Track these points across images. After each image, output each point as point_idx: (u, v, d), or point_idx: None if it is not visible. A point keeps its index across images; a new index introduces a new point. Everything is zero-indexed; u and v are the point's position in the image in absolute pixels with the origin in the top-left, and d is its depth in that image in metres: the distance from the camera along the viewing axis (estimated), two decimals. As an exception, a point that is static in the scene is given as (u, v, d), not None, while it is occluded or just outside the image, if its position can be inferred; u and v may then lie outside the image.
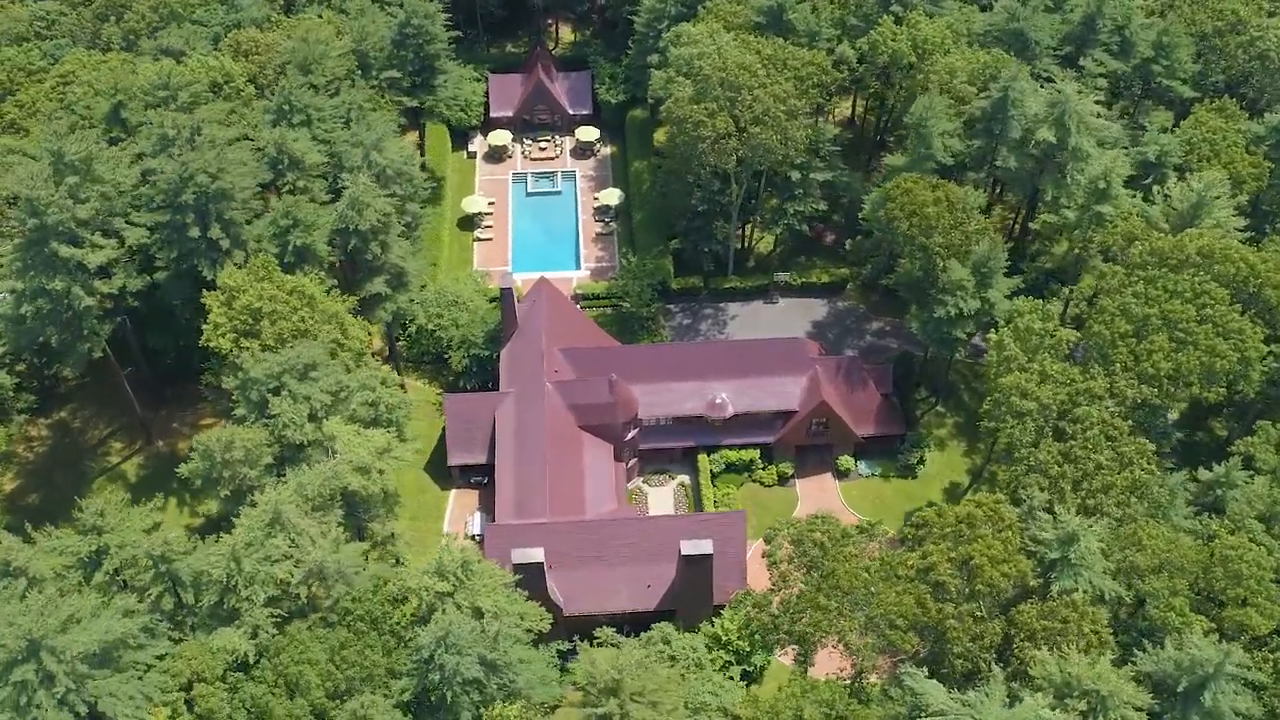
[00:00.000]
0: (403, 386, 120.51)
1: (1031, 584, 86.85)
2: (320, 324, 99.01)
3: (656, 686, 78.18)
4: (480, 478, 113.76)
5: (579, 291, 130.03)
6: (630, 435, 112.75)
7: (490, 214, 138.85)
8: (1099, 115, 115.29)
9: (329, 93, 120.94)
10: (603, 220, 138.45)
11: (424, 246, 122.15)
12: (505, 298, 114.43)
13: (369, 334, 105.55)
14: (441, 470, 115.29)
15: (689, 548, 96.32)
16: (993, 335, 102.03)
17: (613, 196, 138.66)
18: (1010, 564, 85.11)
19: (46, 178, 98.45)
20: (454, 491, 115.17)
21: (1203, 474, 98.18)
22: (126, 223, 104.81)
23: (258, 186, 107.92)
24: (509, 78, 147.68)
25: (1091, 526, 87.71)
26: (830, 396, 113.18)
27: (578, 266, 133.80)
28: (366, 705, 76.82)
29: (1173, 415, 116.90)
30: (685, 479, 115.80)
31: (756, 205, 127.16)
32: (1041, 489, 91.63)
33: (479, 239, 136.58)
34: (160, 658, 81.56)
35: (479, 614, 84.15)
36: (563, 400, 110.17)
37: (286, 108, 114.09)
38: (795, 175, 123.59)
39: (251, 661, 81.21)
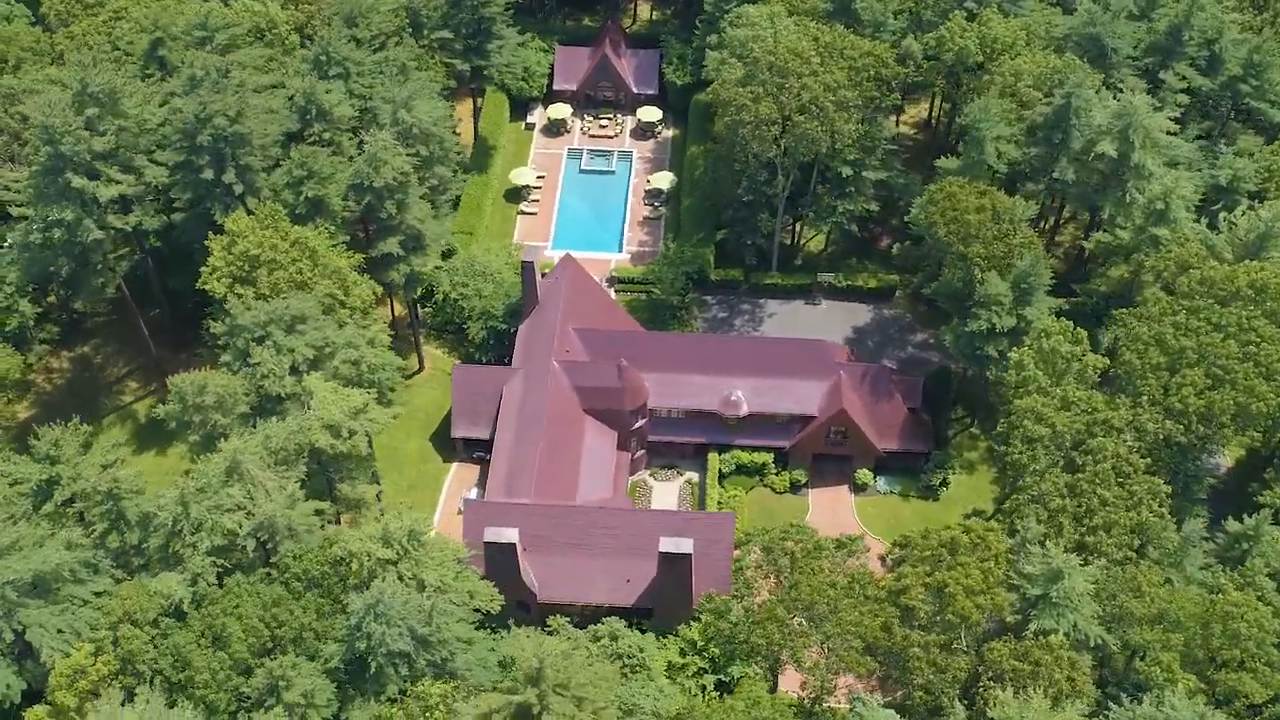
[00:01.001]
0: (419, 353, 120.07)
1: (1008, 620, 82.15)
2: (319, 278, 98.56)
3: (586, 681, 75.66)
4: (483, 453, 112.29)
5: (614, 274, 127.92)
6: (638, 424, 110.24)
7: (539, 188, 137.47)
8: (1171, 133, 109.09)
9: (373, 47, 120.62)
10: (652, 204, 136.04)
11: (452, 213, 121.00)
12: (526, 271, 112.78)
13: (374, 293, 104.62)
14: (447, 441, 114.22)
15: (668, 545, 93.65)
16: (1014, 354, 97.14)
17: (664, 180, 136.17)
18: (987, 596, 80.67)
19: (66, 107, 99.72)
20: (456, 464, 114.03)
21: (1231, 525, 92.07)
22: (150, 161, 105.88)
23: (283, 136, 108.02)
24: (576, 50, 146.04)
25: (1085, 566, 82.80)
26: (852, 405, 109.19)
27: (619, 249, 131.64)
28: (286, 665, 75.74)
29: (1225, 461, 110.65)
30: (694, 477, 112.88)
31: (807, 200, 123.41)
32: (1040, 520, 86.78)
33: (523, 212, 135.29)
34: (99, 594, 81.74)
35: (422, 587, 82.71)
36: (568, 381, 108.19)
37: (324, 59, 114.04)
38: (846, 171, 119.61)
39: (186, 609, 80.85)
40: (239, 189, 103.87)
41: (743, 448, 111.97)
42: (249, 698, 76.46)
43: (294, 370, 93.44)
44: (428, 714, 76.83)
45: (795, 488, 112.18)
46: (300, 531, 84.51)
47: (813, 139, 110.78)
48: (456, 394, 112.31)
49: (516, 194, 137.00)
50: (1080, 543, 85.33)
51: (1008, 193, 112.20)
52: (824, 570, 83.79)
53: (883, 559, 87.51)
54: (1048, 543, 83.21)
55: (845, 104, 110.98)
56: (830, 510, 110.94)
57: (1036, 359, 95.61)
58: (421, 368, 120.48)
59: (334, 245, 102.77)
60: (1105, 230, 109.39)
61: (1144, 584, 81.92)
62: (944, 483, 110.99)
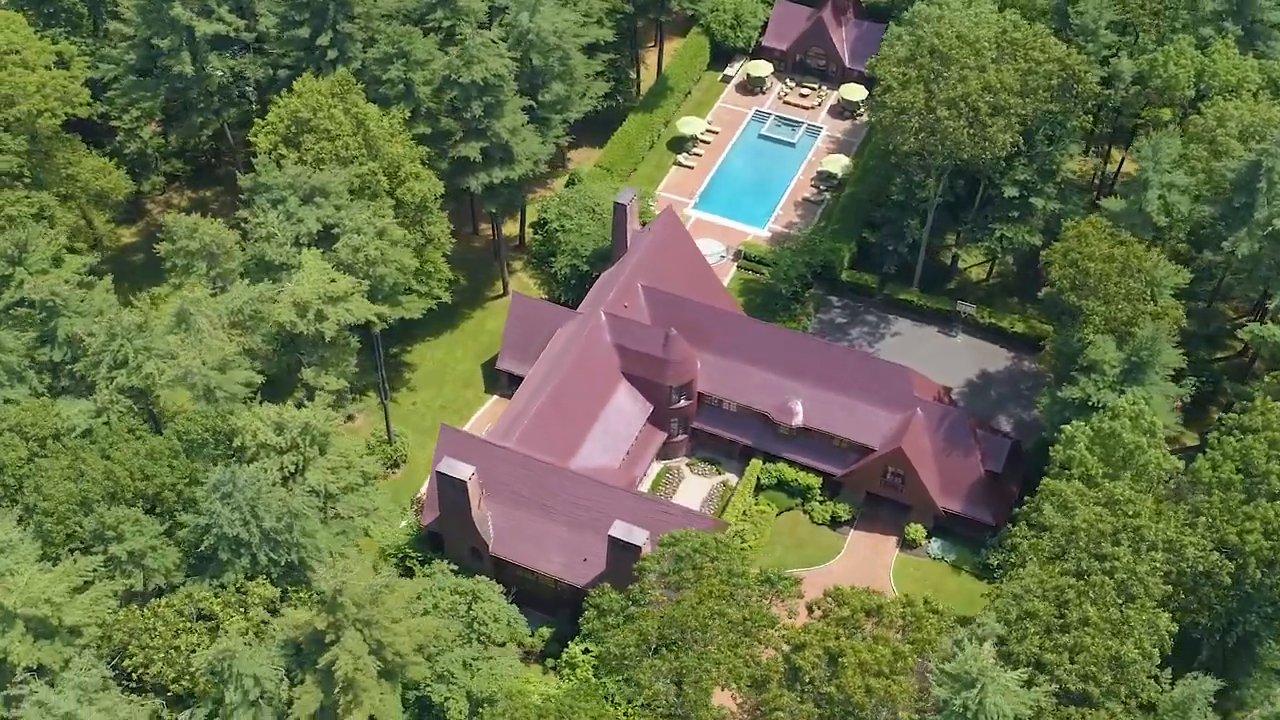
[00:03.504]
0: (503, 276, 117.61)
1: (903, 717, 71.21)
2: (366, 159, 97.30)
3: (400, 627, 71.20)
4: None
5: (742, 249, 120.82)
6: (680, 404, 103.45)
7: (707, 142, 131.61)
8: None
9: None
10: (817, 187, 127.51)
11: (569, 136, 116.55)
12: (618, 214, 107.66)
13: (434, 193, 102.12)
14: (496, 373, 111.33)
15: (619, 531, 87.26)
16: (1068, 427, 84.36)
17: (837, 164, 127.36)
18: (883, 681, 70.16)
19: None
20: (495, 397, 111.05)
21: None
22: (268, 10, 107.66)
23: (400, 15, 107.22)
24: (796, 9, 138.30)
25: (1028, 686, 70.69)
26: (915, 447, 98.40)
27: (763, 225, 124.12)
28: (122, 518, 75.08)
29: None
30: (733, 480, 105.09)
31: (968, 216, 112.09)
32: (1005, 619, 74.90)
33: (679, 163, 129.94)
34: (7, 401, 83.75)
35: (314, 493, 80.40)
36: (611, 336, 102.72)
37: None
38: (1011, 193, 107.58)
39: (72, 439, 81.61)
40: (332, 55, 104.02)
41: (791, 463, 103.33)
42: (81, 540, 76.31)
43: (297, 243, 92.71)
44: (244, 611, 74.41)
45: (835, 523, 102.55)
46: (215, 394, 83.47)
47: (956, 141, 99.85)
48: (510, 325, 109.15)
49: (682, 144, 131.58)
50: (1037, 658, 72.95)
51: (1173, 255, 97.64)
52: (724, 598, 75.26)
53: (810, 608, 77.85)
54: (985, 644, 71.38)
55: (1004, 110, 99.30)
56: (864, 559, 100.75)
57: (1091, 440, 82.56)
58: (505, 292, 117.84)
59: (400, 133, 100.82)
60: (1273, 322, 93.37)
61: (1092, 730, 69.24)
62: (1003, 564, 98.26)
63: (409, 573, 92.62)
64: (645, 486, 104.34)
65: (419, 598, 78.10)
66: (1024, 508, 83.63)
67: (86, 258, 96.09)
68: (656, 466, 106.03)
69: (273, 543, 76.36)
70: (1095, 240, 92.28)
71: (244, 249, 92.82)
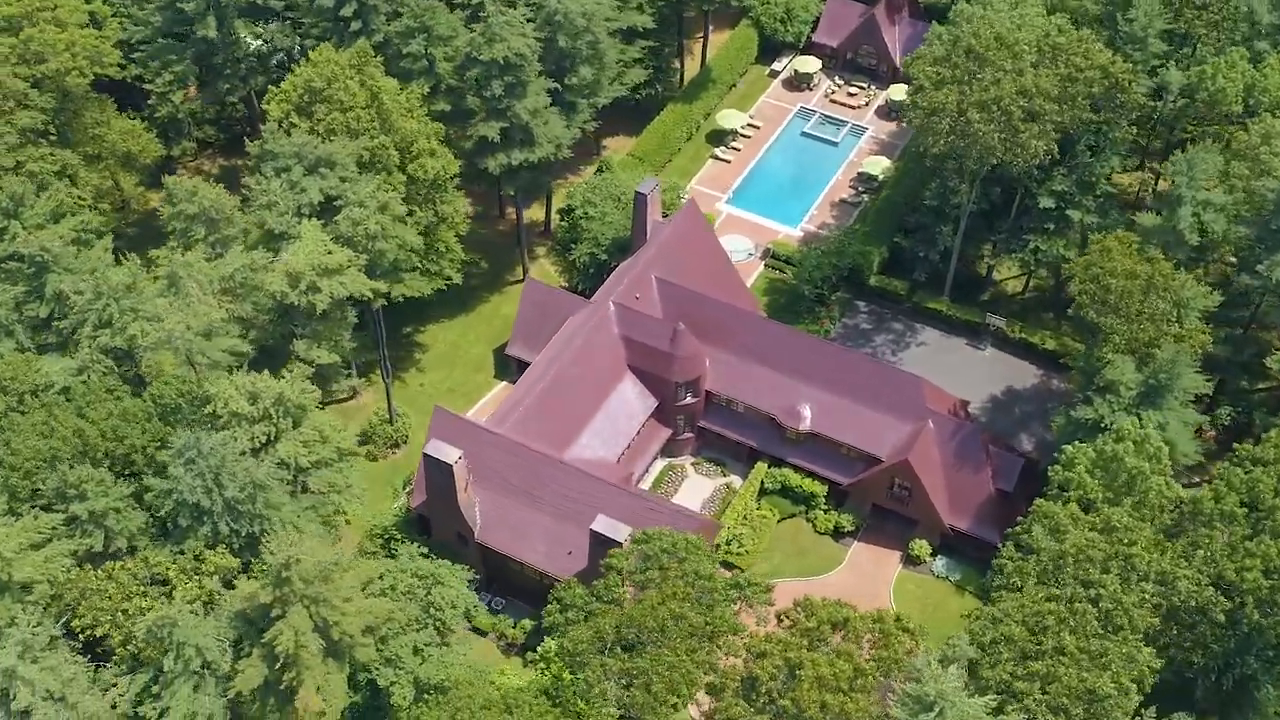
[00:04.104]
0: (524, 260, 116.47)
1: (859, 737, 68.78)
2: (377, 133, 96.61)
3: (350, 607, 70.19)
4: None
5: (770, 247, 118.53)
6: (686, 400, 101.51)
7: (747, 136, 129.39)
8: None
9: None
10: (856, 188, 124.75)
11: (595, 121, 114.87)
12: (638, 204, 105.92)
13: (445, 169, 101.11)
14: (506, 358, 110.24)
15: (602, 525, 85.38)
16: (1069, 447, 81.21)
17: (877, 166, 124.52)
18: (840, 698, 67.78)
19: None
20: (503, 383, 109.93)
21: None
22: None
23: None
24: (849, 5, 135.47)
25: (995, 714, 67.95)
26: (923, 460, 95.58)
27: (796, 224, 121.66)
28: (85, 477, 74.88)
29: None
30: (738, 482, 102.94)
31: (1005, 227, 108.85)
32: (979, 642, 72.14)
33: (716, 157, 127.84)
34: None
35: (283, 465, 79.78)
36: (618, 327, 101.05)
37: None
38: (1047, 203, 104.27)
39: (52, 395, 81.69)
40: (355, 26, 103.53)
41: (797, 469, 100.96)
42: (45, 497, 76.26)
43: (299, 213, 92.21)
44: (198, 577, 73.89)
45: (838, 534, 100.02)
46: (201, 363, 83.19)
47: (986, 146, 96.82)
48: (522, 311, 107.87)
49: (721, 137, 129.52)
50: (1007, 685, 70.11)
51: (1219, 277, 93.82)
52: (687, 600, 73.25)
53: (779, 618, 75.58)
54: (952, 667, 68.76)
55: (1039, 116, 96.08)
56: (865, 573, 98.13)
57: (1092, 462, 79.37)
58: (525, 276, 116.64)
59: (416, 109, 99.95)
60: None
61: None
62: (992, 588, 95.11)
63: (394, 555, 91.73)
64: (647, 484, 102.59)
65: (381, 578, 76.95)
66: (1015, 528, 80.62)
67: (85, 216, 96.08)
68: (660, 464, 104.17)
69: (234, 513, 75.74)
70: (1119, 255, 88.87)
71: (245, 216, 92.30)
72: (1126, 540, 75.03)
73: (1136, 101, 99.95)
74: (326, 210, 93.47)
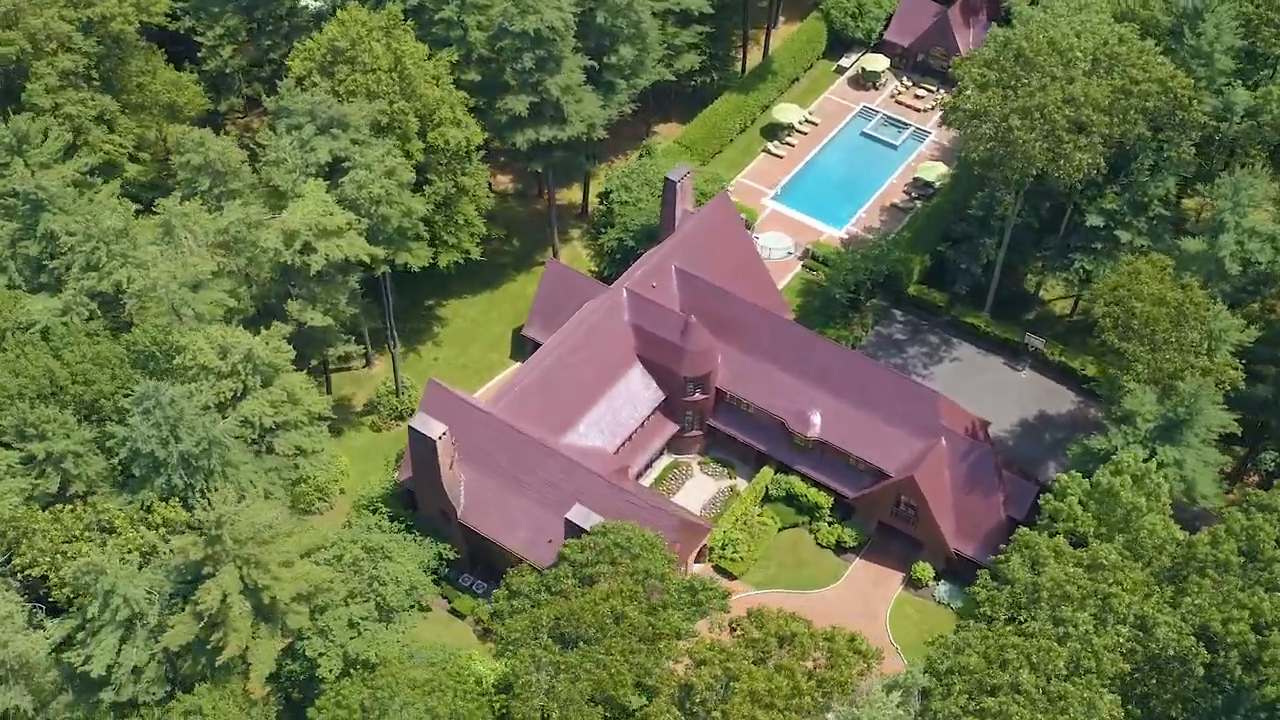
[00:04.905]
0: (553, 241, 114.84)
1: (788, 758, 65.84)
2: (397, 97, 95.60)
3: (291, 577, 69.16)
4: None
5: (810, 247, 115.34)
6: (695, 397, 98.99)
7: (803, 133, 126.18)
8: None
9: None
10: (909, 193, 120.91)
11: (633, 104, 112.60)
12: (668, 191, 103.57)
13: (471, 134, 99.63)
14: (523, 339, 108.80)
15: (576, 515, 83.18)
16: (1063, 476, 77.13)
17: (934, 172, 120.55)
18: (772, 715, 64.94)
19: None
20: (517, 364, 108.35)
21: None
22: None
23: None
24: (927, 4, 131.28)
25: (937, 749, 64.72)
26: (930, 479, 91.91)
27: (841, 226, 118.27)
28: (45, 419, 74.90)
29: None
30: (744, 485, 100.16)
31: (1052, 244, 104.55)
32: (934, 671, 68.74)
33: (768, 151, 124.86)
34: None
35: (246, 423, 79.17)
36: (629, 315, 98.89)
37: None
38: (1095, 221, 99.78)
39: (31, 333, 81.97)
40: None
41: (804, 477, 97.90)
42: (3, 433, 76.46)
43: (306, 171, 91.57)
44: (146, 525, 73.45)
45: (840, 548, 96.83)
46: (179, 307, 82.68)
47: (1027, 156, 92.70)
48: (541, 292, 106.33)
49: (776, 131, 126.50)
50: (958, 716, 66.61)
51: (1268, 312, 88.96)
52: (633, 598, 70.83)
53: (732, 626, 72.82)
54: (894, 694, 65.47)
55: (1085, 127, 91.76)
56: (861, 592, 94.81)
57: (1086, 494, 75.29)
58: (555, 256, 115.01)
59: (441, 76, 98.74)
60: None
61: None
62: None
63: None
64: (650, 479, 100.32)
65: (331, 546, 75.81)
66: (995, 556, 76.86)
67: (88, 158, 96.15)
68: (665, 460, 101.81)
69: (190, 467, 75.14)
70: (1149, 279, 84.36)
71: (255, 171, 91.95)
72: (1110, 580, 70.90)
73: (1198, 120, 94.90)
74: (335, 172, 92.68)
